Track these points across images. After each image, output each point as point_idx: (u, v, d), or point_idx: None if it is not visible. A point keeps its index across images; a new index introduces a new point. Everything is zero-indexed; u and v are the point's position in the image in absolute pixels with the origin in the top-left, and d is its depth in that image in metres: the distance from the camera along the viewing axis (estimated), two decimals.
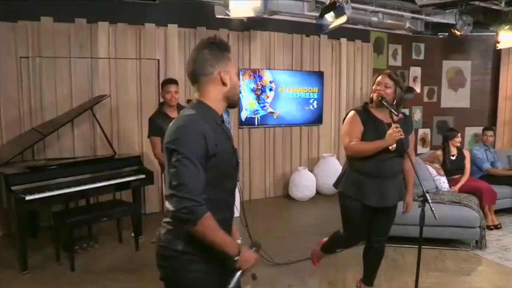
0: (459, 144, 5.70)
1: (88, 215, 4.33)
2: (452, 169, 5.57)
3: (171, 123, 1.79)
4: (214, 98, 1.83)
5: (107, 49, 5.48)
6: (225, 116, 5.11)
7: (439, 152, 5.71)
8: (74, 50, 5.31)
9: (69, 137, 5.41)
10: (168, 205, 1.65)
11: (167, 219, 1.78)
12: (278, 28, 6.77)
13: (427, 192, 2.76)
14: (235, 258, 1.73)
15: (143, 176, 4.73)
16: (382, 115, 3.10)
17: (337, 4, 5.34)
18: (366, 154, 3.02)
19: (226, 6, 5.34)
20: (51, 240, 4.57)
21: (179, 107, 4.30)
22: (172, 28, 5.85)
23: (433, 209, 2.68)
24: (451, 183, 5.46)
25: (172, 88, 4.22)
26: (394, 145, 2.97)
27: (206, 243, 1.68)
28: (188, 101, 3.88)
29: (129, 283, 3.86)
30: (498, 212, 5.60)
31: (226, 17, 5.59)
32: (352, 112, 3.18)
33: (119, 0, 5.48)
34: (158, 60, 5.81)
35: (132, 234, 4.77)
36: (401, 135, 2.89)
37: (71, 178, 4.24)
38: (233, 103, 1.91)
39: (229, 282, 1.76)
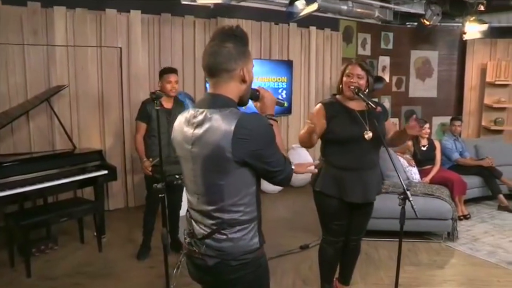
0: (426, 135, 5.67)
1: (45, 216, 4.00)
2: (422, 159, 5.55)
3: (212, 127, 1.63)
4: (233, 94, 1.72)
5: (64, 36, 5.10)
6: (190, 104, 4.79)
7: (410, 143, 5.67)
8: (28, 36, 4.91)
9: (24, 131, 5.03)
10: (282, 184, 1.77)
11: (232, 229, 1.70)
12: (246, 16, 6.54)
13: (408, 190, 2.65)
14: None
15: (105, 171, 4.45)
16: (353, 104, 2.95)
17: None
18: (306, 143, 2.91)
19: None
20: (5, 244, 4.18)
21: (176, 98, 4.15)
22: (135, 14, 5.52)
23: (414, 206, 2.58)
24: (422, 174, 5.44)
25: (173, 77, 4.01)
26: (370, 134, 2.86)
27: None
28: (152, 94, 3.66)
29: (95, 287, 3.61)
30: (467, 202, 5.63)
31: (192, 3, 5.32)
32: (318, 105, 3.01)
33: None
34: (121, 48, 5.48)
35: (95, 234, 4.50)
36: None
37: (27, 175, 3.89)
38: (245, 100, 1.81)
39: (282, 100, 2.00)
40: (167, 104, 4.06)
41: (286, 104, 2.02)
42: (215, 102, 1.68)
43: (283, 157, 1.71)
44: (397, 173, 2.85)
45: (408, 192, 2.61)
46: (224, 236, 1.69)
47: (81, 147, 5.02)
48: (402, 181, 2.68)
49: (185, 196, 3.40)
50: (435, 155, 5.61)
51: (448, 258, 4.27)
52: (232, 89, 1.70)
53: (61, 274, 3.84)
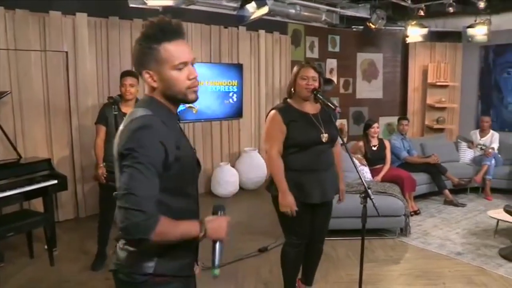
0: (374, 135, 5.86)
1: None
2: (373, 159, 5.72)
3: (122, 125, 1.55)
4: (155, 95, 1.60)
5: (4, 39, 4.80)
6: None
7: (361, 143, 5.84)
8: None
9: None
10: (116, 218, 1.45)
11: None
12: (195, 19, 6.48)
13: (369, 188, 2.71)
14: (201, 235, 1.54)
15: (55, 181, 4.23)
16: (307, 107, 3.01)
17: None
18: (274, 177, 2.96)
19: None
20: None
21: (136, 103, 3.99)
22: (81, 17, 5.31)
23: (376, 205, 2.65)
24: (373, 173, 5.61)
25: (127, 80, 3.89)
26: (327, 136, 2.95)
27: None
28: (109, 98, 3.53)
29: None
30: (415, 198, 5.88)
31: (140, 6, 5.19)
32: (273, 112, 2.99)
33: None
34: (67, 52, 5.25)
35: (46, 247, 4.28)
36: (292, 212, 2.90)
37: None
38: (182, 100, 1.61)
39: (213, 260, 1.62)
40: (126, 108, 3.93)
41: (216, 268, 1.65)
42: (140, 101, 1.64)
43: (140, 200, 1.38)
44: (358, 172, 2.92)
45: (369, 191, 2.68)
46: (121, 245, 1.58)
47: (27, 157, 4.74)
48: (363, 180, 2.75)
49: None
50: (386, 155, 5.80)
51: (402, 253, 4.43)
52: (151, 91, 1.60)
53: None
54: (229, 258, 4.19)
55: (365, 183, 2.72)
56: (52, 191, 4.30)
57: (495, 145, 6.68)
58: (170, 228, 1.46)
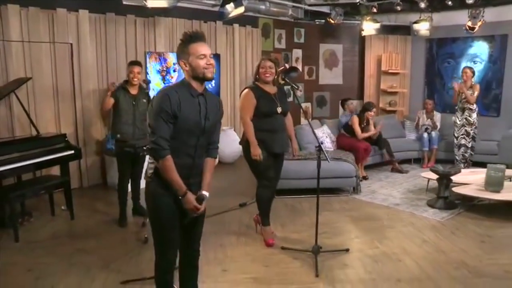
0: (368, 117, 7.07)
1: (28, 189, 4.64)
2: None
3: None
4: (187, 77, 2.55)
5: (19, 32, 5.59)
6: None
7: (355, 117, 7.05)
8: None
9: None
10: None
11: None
12: (180, 15, 7.38)
13: (322, 143, 3.79)
14: (180, 197, 2.51)
15: (72, 151, 5.12)
16: (268, 89, 4.16)
17: None
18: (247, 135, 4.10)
19: None
20: None
21: (140, 86, 4.98)
22: (83, 13, 6.14)
23: (327, 155, 3.72)
24: (340, 139, 6.98)
25: (136, 69, 4.84)
26: (280, 109, 4.12)
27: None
28: (125, 82, 4.53)
29: (79, 244, 4.31)
30: (368, 167, 7.10)
31: (132, 3, 6.01)
32: (247, 90, 4.17)
33: None
34: (71, 44, 6.08)
35: (63, 207, 5.21)
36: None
37: (5, 157, 4.45)
38: (202, 78, 2.51)
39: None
40: (132, 90, 4.91)
41: None
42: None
43: (157, 131, 2.41)
44: (315, 135, 3.99)
45: (321, 145, 3.76)
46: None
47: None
48: (317, 138, 3.83)
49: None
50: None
51: (354, 205, 5.60)
52: (185, 75, 2.54)
53: (44, 238, 4.49)
54: (216, 210, 5.22)
55: (318, 140, 3.80)
56: (69, 159, 5.18)
57: (438, 124, 7.90)
58: (169, 167, 2.43)
